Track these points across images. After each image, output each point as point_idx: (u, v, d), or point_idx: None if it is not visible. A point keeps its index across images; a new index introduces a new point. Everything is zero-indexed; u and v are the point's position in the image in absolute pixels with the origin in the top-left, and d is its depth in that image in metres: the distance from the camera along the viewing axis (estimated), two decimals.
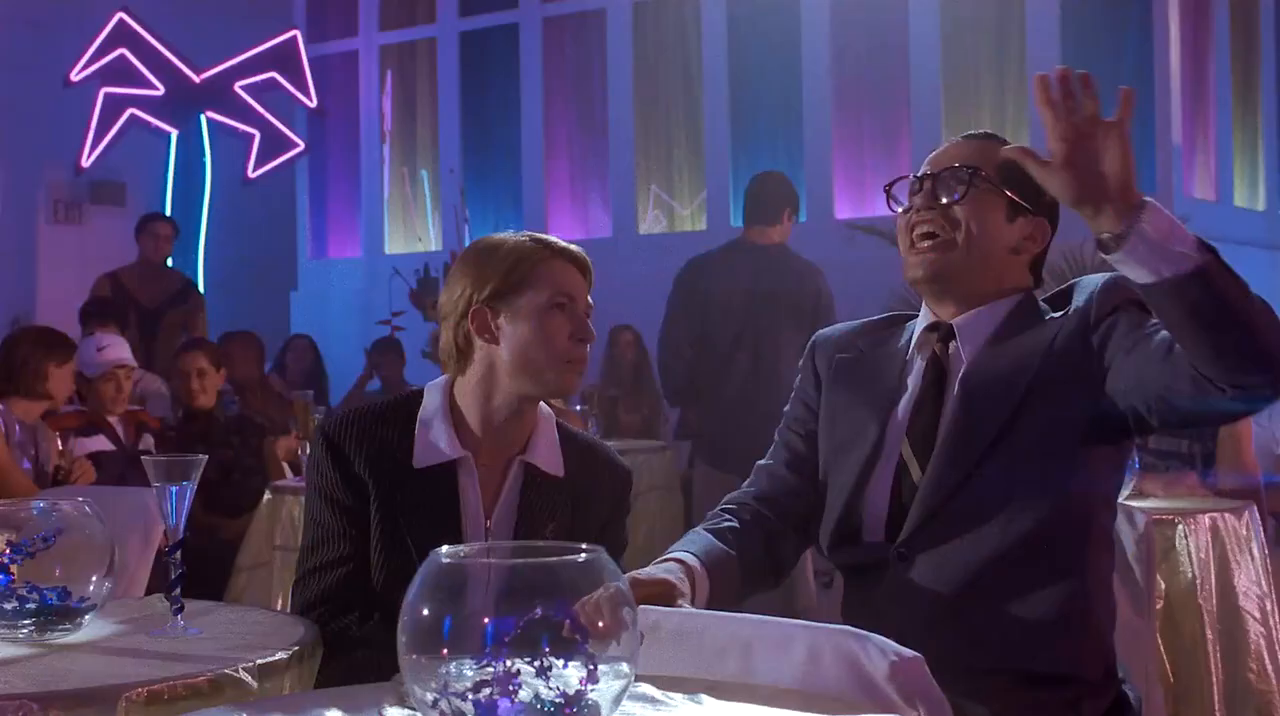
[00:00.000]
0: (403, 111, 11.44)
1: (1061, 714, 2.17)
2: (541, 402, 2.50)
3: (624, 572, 2.45)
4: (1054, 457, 2.18)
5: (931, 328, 2.33)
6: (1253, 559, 4.05)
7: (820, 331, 2.51)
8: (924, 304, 2.37)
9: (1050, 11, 8.67)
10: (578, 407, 7.20)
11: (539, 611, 1.33)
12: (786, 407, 2.50)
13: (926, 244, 2.28)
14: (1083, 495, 2.21)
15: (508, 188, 10.69)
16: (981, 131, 2.43)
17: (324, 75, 11.30)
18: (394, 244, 11.37)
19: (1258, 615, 4.00)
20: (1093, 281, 2.24)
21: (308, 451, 2.94)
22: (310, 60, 10.99)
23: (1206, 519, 4.02)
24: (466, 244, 7.91)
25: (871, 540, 2.27)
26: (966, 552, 2.18)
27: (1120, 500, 3.99)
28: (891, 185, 2.39)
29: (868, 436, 2.31)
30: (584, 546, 1.44)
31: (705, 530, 2.34)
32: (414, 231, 11.32)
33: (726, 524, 2.35)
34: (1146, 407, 2.10)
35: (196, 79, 10.73)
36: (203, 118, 10.85)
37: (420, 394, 2.49)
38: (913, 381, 2.33)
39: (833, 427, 2.38)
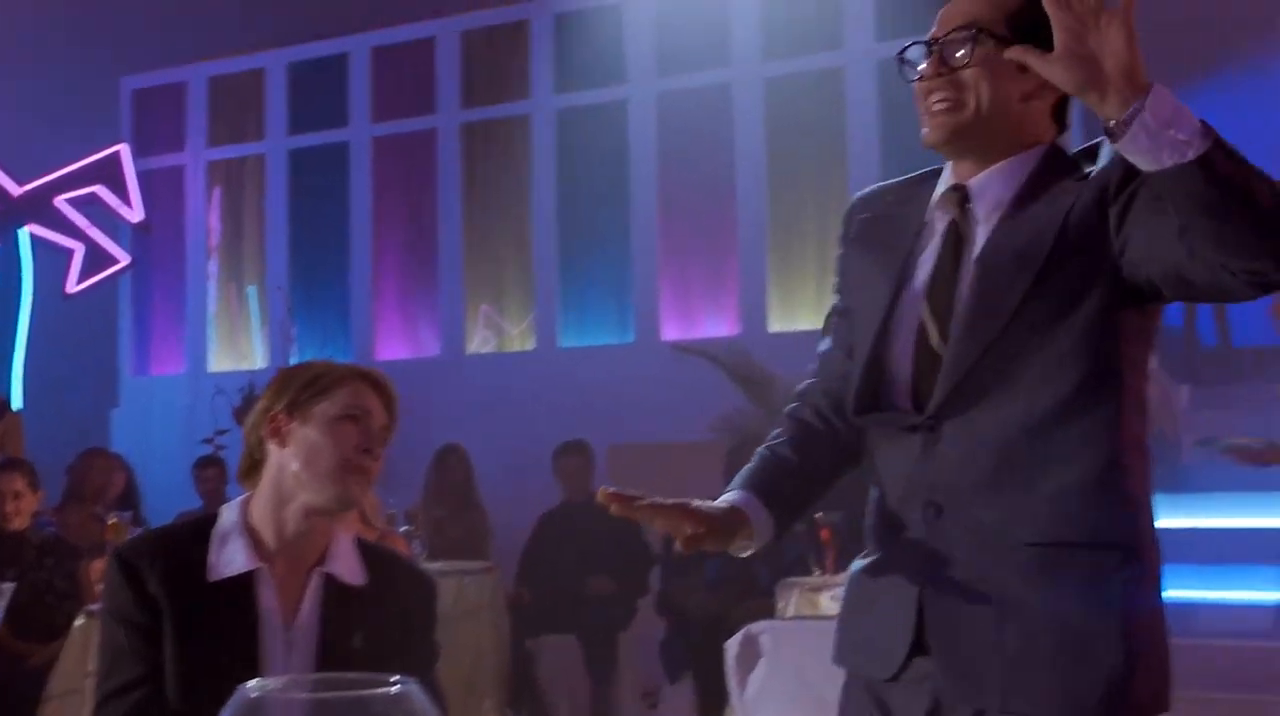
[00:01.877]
0: (231, 227, 11.35)
1: (1100, 582, 2.15)
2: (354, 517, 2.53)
3: (439, 683, 2.48)
4: (1077, 327, 2.16)
5: (951, 189, 2.31)
6: None
7: (859, 192, 2.50)
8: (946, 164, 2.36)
9: (870, 131, 8.91)
10: (401, 528, 7.13)
11: None
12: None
13: (939, 109, 2.26)
14: (1110, 360, 2.19)
15: (336, 305, 10.64)
16: None
17: (151, 190, 11.19)
18: (219, 361, 11.22)
19: None
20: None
21: None
22: (137, 174, 10.89)
23: None
24: (293, 362, 7.83)
25: (900, 405, 2.26)
26: (995, 423, 2.18)
27: None
28: (903, 52, 2.32)
29: (880, 299, 2.29)
30: (395, 678, 1.43)
31: (762, 449, 2.41)
32: (239, 348, 11.19)
33: (780, 440, 2.42)
34: (1163, 280, 2.10)
35: (16, 192, 10.55)
36: (22, 231, 10.66)
37: (217, 512, 2.51)
38: (931, 245, 2.30)
39: (852, 292, 2.40)
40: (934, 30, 2.29)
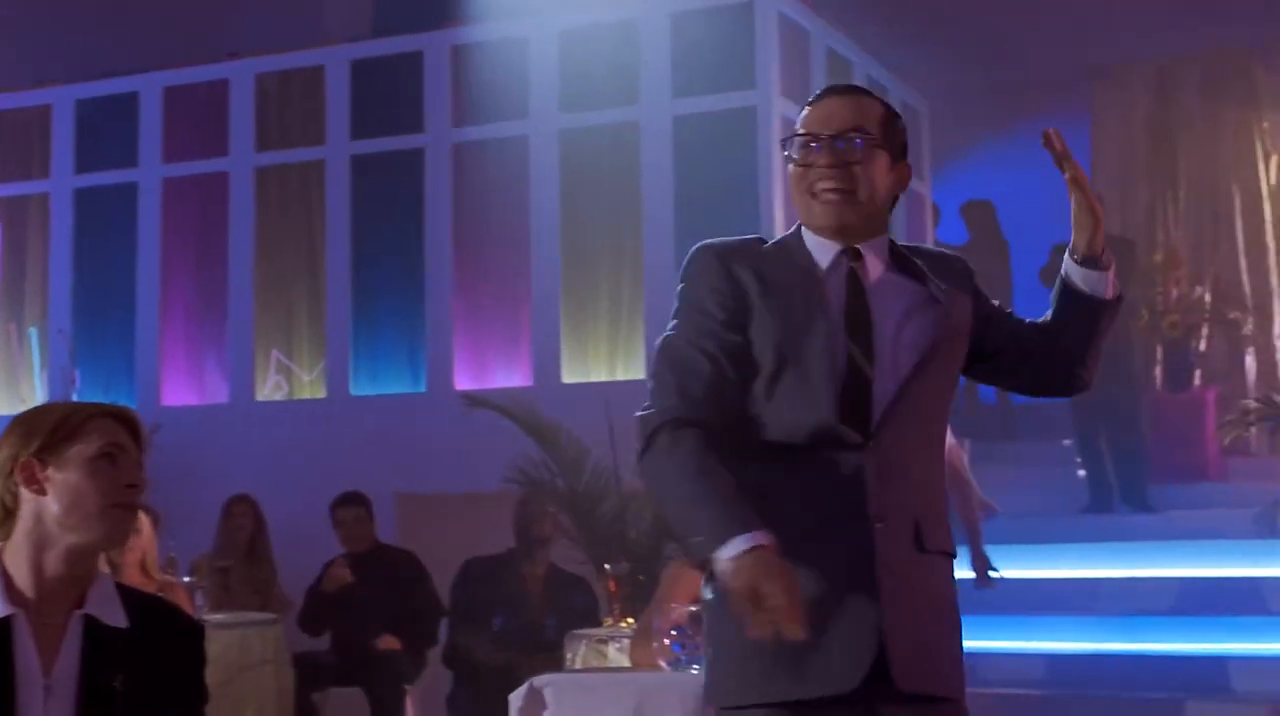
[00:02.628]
0: (12, 267, 11.03)
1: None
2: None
3: None
4: (947, 379, 2.75)
5: (846, 250, 2.73)
6: None
7: (713, 243, 2.80)
8: (817, 238, 2.75)
9: (665, 194, 9.00)
10: (185, 579, 6.99)
11: None
12: (684, 323, 2.72)
13: (833, 197, 2.68)
14: (950, 409, 2.82)
15: (120, 349, 10.38)
16: (846, 85, 2.86)
17: None
18: None
19: None
20: (945, 255, 2.86)
21: None
22: None
23: None
24: None
25: (839, 426, 2.61)
26: (910, 446, 2.66)
27: None
28: (787, 141, 2.72)
29: (817, 333, 2.64)
30: None
31: (715, 475, 2.53)
32: (19, 391, 10.86)
33: (713, 460, 2.57)
34: (1011, 368, 2.87)
35: None
36: None
37: None
38: (835, 291, 2.70)
39: (777, 324, 2.66)
40: (814, 126, 2.70)
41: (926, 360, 2.66)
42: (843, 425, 2.60)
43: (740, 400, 2.65)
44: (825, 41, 9.64)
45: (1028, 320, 2.85)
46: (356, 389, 9.72)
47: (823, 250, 2.73)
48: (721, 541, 2.41)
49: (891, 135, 2.71)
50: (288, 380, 10.03)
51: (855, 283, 2.69)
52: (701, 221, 8.94)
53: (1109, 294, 2.72)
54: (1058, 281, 2.78)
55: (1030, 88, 10.79)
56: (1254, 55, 10.68)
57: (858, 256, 2.71)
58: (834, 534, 2.56)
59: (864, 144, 2.66)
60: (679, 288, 2.79)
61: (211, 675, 6.87)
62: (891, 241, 2.79)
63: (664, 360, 2.71)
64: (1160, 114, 10.87)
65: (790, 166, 2.73)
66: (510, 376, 9.30)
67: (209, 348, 10.25)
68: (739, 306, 2.67)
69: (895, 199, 2.78)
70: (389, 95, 9.89)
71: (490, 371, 9.39)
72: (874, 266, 2.72)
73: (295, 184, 10.15)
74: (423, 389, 9.52)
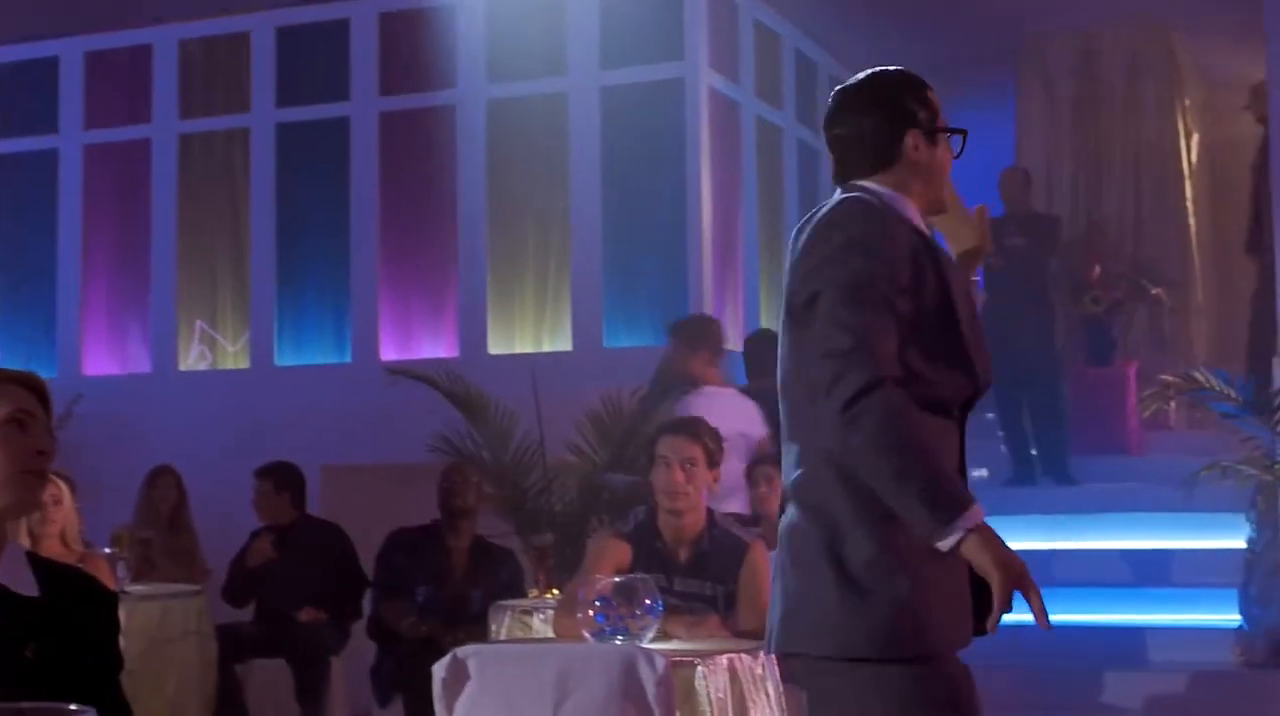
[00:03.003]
0: None
1: None
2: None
3: (122, 695, 2.43)
4: None
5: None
6: (768, 697, 4.23)
7: (874, 206, 2.86)
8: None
9: (592, 165, 8.99)
10: (106, 550, 6.92)
11: None
12: (875, 273, 2.73)
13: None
14: None
15: (41, 319, 10.25)
16: None
17: None
18: None
19: None
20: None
21: None
22: None
23: (724, 660, 4.19)
24: None
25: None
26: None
27: (642, 644, 4.12)
28: (950, 133, 3.01)
29: (973, 328, 2.88)
30: (73, 706, 1.39)
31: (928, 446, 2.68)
32: None
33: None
34: None
35: None
36: None
37: None
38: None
39: (944, 292, 2.82)
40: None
41: None
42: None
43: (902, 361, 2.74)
44: (753, 14, 9.65)
45: None
46: (281, 359, 9.65)
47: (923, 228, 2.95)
48: (970, 521, 2.58)
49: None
50: (212, 350, 9.94)
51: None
52: (629, 192, 8.96)
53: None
54: None
55: (956, 63, 10.86)
56: (1174, 32, 10.78)
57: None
58: None
59: None
60: (841, 237, 2.78)
61: (133, 646, 6.84)
62: None
63: (863, 299, 2.70)
64: (1084, 90, 10.96)
65: (940, 158, 2.96)
66: (436, 347, 9.26)
67: (131, 317, 10.14)
68: (913, 272, 2.77)
69: None
70: (315, 63, 9.81)
71: (416, 342, 9.35)
72: None
73: (220, 152, 10.05)
74: (348, 359, 9.48)
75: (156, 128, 10.07)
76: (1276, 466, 6.60)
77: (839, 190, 2.98)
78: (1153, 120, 10.71)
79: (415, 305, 9.43)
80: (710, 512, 4.89)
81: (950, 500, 2.58)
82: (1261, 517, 7.33)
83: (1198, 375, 6.52)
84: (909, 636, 2.71)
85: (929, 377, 2.76)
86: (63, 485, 6.41)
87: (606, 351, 8.76)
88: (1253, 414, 6.53)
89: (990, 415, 9.84)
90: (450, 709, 4.18)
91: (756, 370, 7.41)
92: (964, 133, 2.96)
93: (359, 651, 7.54)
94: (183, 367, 9.90)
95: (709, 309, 8.49)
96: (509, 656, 4.21)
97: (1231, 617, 7.43)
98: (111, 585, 6.17)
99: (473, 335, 9.11)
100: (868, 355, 2.63)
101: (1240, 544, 7.52)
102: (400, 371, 8.10)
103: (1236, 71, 10.47)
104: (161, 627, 7.35)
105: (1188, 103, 10.76)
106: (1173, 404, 8.53)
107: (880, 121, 2.95)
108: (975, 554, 2.58)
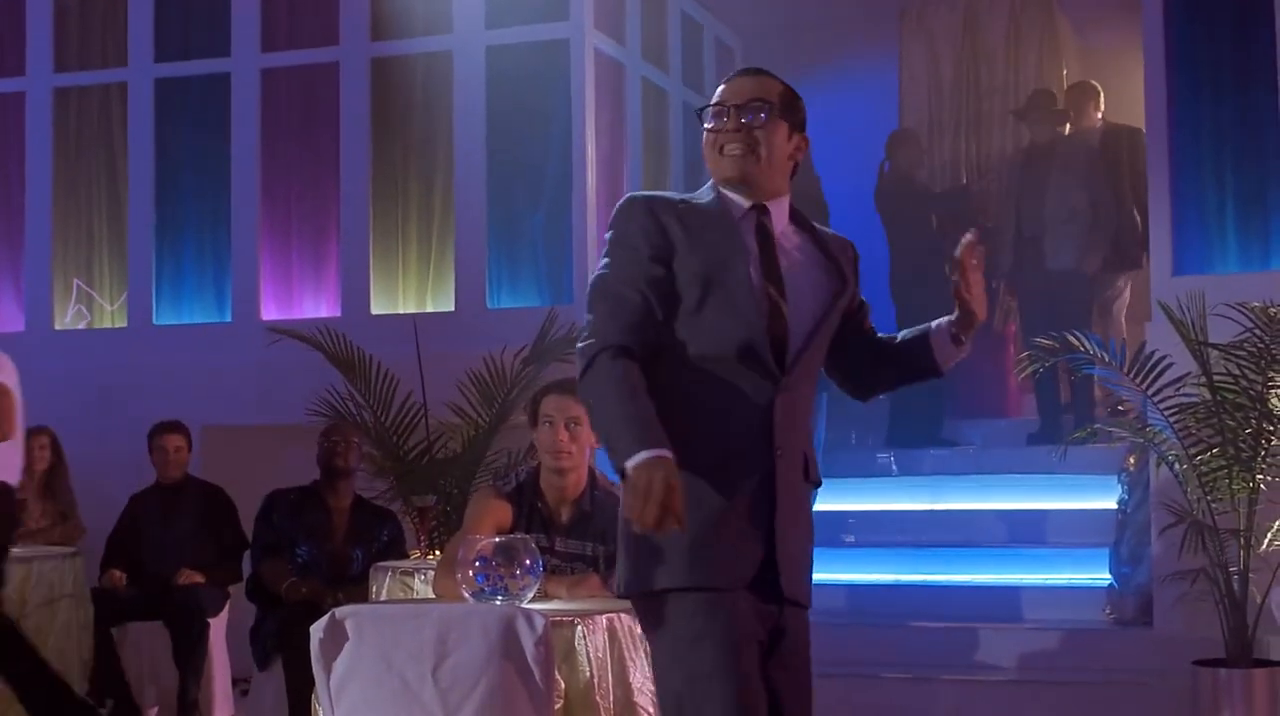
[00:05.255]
0: None
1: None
2: None
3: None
4: (829, 340, 3.23)
5: (756, 206, 3.18)
6: (646, 656, 4.26)
7: (638, 194, 3.22)
8: (728, 193, 3.19)
9: (477, 124, 8.92)
10: None
11: None
12: (615, 262, 3.12)
13: (737, 150, 3.16)
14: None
15: None
16: (755, 68, 3.29)
17: None
18: None
19: (650, 709, 4.21)
20: (839, 237, 3.35)
21: None
22: None
23: (604, 620, 4.22)
24: None
25: (766, 359, 3.06)
26: (806, 387, 3.16)
27: (521, 604, 4.14)
28: (702, 111, 3.21)
29: (742, 276, 3.08)
30: None
31: (640, 399, 2.93)
32: None
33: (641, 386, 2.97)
34: (843, 350, 3.31)
35: None
36: None
37: None
38: (750, 241, 3.14)
39: (700, 258, 3.08)
40: (725, 98, 3.19)
41: (825, 315, 3.17)
42: (761, 359, 3.05)
43: (664, 329, 3.06)
44: None
45: (872, 330, 3.37)
46: (160, 318, 9.51)
47: (734, 203, 3.18)
48: (634, 453, 2.84)
49: (791, 109, 3.22)
50: (89, 308, 9.78)
51: (765, 233, 3.16)
52: (514, 152, 8.92)
53: (947, 365, 3.28)
54: (920, 331, 3.31)
55: (839, 25, 10.95)
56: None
57: (765, 211, 3.18)
58: (746, 456, 3.04)
59: (766, 113, 3.15)
60: (608, 234, 3.17)
61: (8, 609, 6.73)
62: (793, 206, 3.27)
63: (598, 295, 3.09)
64: (966, 56, 11.07)
65: (705, 133, 3.20)
66: (318, 307, 9.18)
67: (4, 275, 9.94)
68: (663, 242, 3.09)
69: (795, 166, 3.26)
70: (195, 17, 9.63)
71: (298, 301, 9.26)
72: (779, 221, 3.22)
73: (96, 106, 9.85)
74: (228, 319, 9.36)
75: (31, 81, 9.85)
76: (1147, 429, 6.74)
77: None
78: (1034, 87, 10.84)
79: (297, 264, 9.33)
80: (592, 472, 4.91)
81: (621, 444, 2.88)
82: (1132, 479, 7.48)
83: (1072, 338, 6.63)
84: (651, 572, 3.04)
85: (693, 329, 3.06)
86: None
87: (490, 312, 8.73)
88: (1125, 377, 6.66)
89: None
90: (329, 669, 4.16)
91: None
92: (703, 108, 3.23)
93: (237, 612, 7.49)
94: (58, 327, 9.73)
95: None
96: (387, 616, 4.19)
97: (1102, 577, 7.60)
98: None
99: (355, 295, 9.04)
100: (594, 339, 3.02)
101: (1112, 505, 7.68)
102: (281, 331, 8.02)
103: (1113, 43, 10.67)
104: (37, 590, 7.26)
105: (1065, 71, 10.90)
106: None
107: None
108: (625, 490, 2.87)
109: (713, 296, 3.06)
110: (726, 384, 3.05)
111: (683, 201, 3.19)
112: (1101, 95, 9.51)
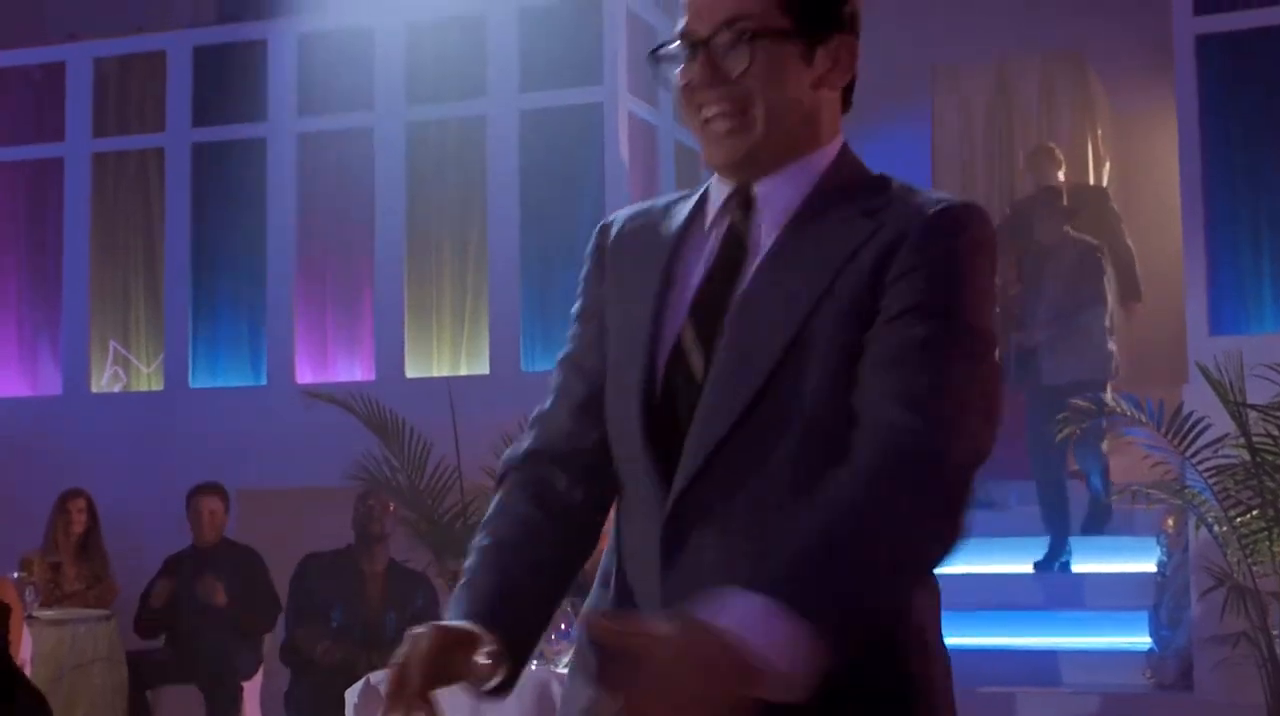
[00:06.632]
0: None
1: None
2: None
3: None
4: (844, 376, 1.82)
5: (734, 193, 1.95)
6: None
7: (613, 215, 2.12)
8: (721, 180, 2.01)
9: (510, 189, 8.96)
10: (15, 575, 6.84)
11: None
12: (573, 326, 2.08)
13: (722, 129, 1.90)
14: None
15: None
16: None
17: None
18: None
19: None
20: (924, 201, 1.90)
21: None
22: None
23: None
24: None
25: (644, 463, 1.89)
26: (758, 487, 1.83)
27: (557, 669, 4.10)
28: (656, 52, 1.97)
29: (642, 319, 1.91)
30: None
31: (473, 565, 1.99)
32: None
33: (488, 542, 2.00)
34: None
35: None
36: None
37: None
38: (704, 252, 1.94)
39: (614, 319, 1.99)
40: (689, 22, 1.91)
41: (780, 363, 1.84)
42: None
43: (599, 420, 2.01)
44: None
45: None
46: (196, 381, 9.56)
47: (718, 196, 1.99)
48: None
49: (804, 9, 1.90)
50: (126, 371, 9.83)
51: (734, 243, 1.93)
52: (547, 216, 8.95)
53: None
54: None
55: (870, 83, 10.92)
56: (1086, 59, 10.93)
57: (748, 202, 1.94)
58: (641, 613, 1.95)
59: (750, 44, 1.88)
60: None
61: (43, 672, 6.77)
62: (841, 155, 2.01)
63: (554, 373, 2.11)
64: (1000, 115, 11.09)
65: (673, 92, 1.99)
66: (352, 370, 9.21)
67: (42, 338, 10.01)
68: (598, 290, 2.05)
69: (844, 96, 2.03)
70: (232, 83, 9.73)
71: (332, 365, 9.29)
72: (782, 202, 1.93)
73: (133, 171, 9.94)
74: (263, 382, 9.40)
75: (69, 146, 9.96)
76: (1186, 490, 6.69)
77: None
78: (1067, 145, 10.83)
79: (331, 328, 9.37)
80: None
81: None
82: (1171, 542, 7.42)
83: (1109, 400, 6.60)
84: None
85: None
86: None
87: (524, 375, 8.74)
88: (1163, 438, 6.62)
89: None
90: None
91: None
92: (658, 47, 2.00)
93: (272, 676, 7.48)
94: (95, 389, 9.79)
95: None
96: None
97: (1142, 640, 7.52)
98: (18, 609, 6.09)
99: (389, 358, 9.06)
100: (516, 443, 2.11)
101: (1151, 567, 7.61)
102: (316, 394, 8.05)
103: (1147, 105, 10.68)
104: (71, 654, 7.27)
105: (1100, 131, 10.90)
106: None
107: None
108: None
109: (612, 365, 1.99)
110: (631, 499, 1.99)
111: (656, 209, 2.07)
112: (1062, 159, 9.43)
